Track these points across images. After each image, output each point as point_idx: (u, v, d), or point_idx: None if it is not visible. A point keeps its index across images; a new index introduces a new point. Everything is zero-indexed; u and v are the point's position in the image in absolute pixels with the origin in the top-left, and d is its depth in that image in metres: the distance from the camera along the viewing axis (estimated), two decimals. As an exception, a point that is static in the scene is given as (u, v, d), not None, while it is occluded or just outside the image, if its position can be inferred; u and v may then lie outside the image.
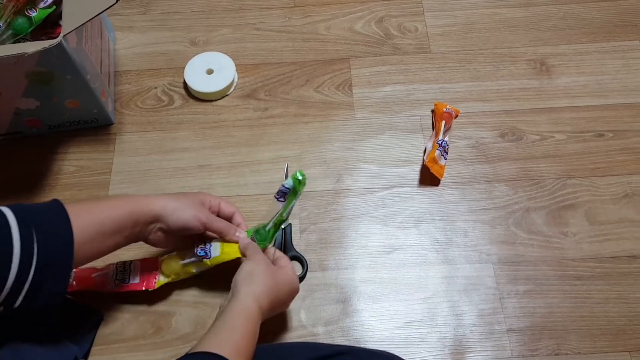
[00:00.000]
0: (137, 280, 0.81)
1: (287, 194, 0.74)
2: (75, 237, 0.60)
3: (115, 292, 0.81)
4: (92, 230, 0.63)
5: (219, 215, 0.78)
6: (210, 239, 0.79)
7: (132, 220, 0.68)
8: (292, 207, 0.76)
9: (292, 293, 0.73)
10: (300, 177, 0.72)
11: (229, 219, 0.79)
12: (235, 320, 0.63)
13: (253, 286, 0.67)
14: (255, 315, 0.65)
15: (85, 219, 0.63)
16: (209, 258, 0.77)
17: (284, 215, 0.77)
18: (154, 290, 0.80)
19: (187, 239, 0.78)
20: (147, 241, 0.74)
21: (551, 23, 1.10)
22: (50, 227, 0.59)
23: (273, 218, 0.77)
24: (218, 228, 0.76)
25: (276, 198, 0.75)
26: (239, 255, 0.76)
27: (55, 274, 0.59)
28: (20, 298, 0.56)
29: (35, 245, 0.56)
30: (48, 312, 0.65)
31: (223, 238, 0.77)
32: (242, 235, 0.77)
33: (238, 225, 0.79)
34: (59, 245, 0.59)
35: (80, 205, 0.64)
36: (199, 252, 0.77)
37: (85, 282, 0.81)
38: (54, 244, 0.58)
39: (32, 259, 0.56)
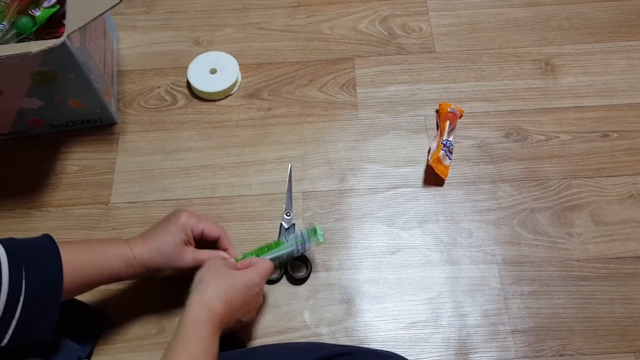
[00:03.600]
0: None
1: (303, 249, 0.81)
2: (64, 279, 0.60)
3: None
4: (79, 279, 0.64)
5: (203, 238, 0.76)
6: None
7: (119, 274, 0.69)
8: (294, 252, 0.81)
9: (248, 291, 0.69)
10: (321, 239, 0.80)
11: (214, 241, 0.78)
12: (187, 329, 0.62)
13: (202, 293, 0.65)
14: (205, 322, 0.63)
15: (76, 267, 0.63)
16: None
17: (285, 258, 0.82)
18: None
19: None
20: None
21: (556, 23, 1.10)
22: (40, 264, 0.58)
23: (276, 254, 0.79)
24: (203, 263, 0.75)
25: (297, 249, 0.81)
26: None
27: (43, 311, 0.58)
28: (8, 335, 0.55)
29: (23, 282, 0.55)
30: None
31: None
32: (232, 262, 0.76)
33: (225, 250, 0.77)
34: (48, 284, 0.58)
35: (72, 249, 0.64)
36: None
37: None
38: (42, 282, 0.58)
39: (19, 295, 0.55)
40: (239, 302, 0.68)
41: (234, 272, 0.70)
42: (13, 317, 0.55)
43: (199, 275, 0.69)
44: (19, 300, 0.55)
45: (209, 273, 0.69)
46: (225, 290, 0.66)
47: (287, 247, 0.80)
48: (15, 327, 0.55)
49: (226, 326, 0.66)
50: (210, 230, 0.76)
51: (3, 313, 0.54)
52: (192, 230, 0.74)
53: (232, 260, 0.77)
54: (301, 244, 0.80)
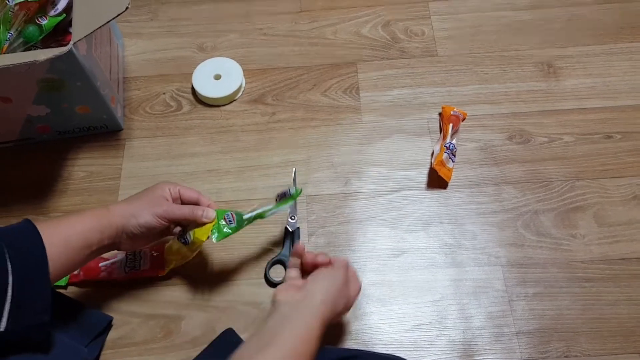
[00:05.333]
0: (147, 266, 0.84)
1: (285, 198, 0.82)
2: (50, 253, 0.61)
3: (124, 279, 0.84)
4: (60, 247, 0.64)
5: (182, 202, 0.77)
6: (187, 227, 0.78)
7: (98, 234, 0.68)
8: (275, 212, 0.81)
9: (344, 288, 0.71)
10: (300, 194, 0.84)
11: (194, 204, 0.78)
12: (300, 332, 0.61)
13: (312, 297, 0.66)
14: (316, 326, 0.63)
15: (54, 235, 0.63)
16: (188, 244, 0.78)
17: (267, 214, 0.80)
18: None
19: (167, 231, 0.78)
20: (119, 249, 0.75)
21: (558, 25, 1.10)
22: (22, 245, 0.60)
23: (257, 211, 0.79)
24: (181, 215, 0.75)
25: (277, 195, 0.82)
26: (206, 239, 0.76)
27: (35, 290, 0.59)
28: (4, 319, 0.56)
29: (9, 263, 0.56)
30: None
31: (195, 223, 0.77)
32: (211, 214, 0.76)
33: (207, 207, 0.78)
34: (34, 262, 0.59)
35: (47, 223, 0.65)
36: (181, 241, 0.78)
37: (91, 272, 0.83)
38: (28, 261, 0.59)
39: (7, 277, 0.56)
40: (340, 301, 0.69)
41: (351, 283, 0.72)
42: (5, 300, 0.55)
43: (326, 282, 0.69)
44: (7, 283, 0.56)
45: (336, 280, 0.69)
46: (329, 291, 0.67)
47: (270, 206, 0.81)
48: (10, 310, 0.56)
49: (329, 323, 0.66)
50: (187, 192, 0.78)
51: None
52: (170, 190, 0.76)
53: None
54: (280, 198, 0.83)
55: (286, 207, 0.83)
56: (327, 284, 0.68)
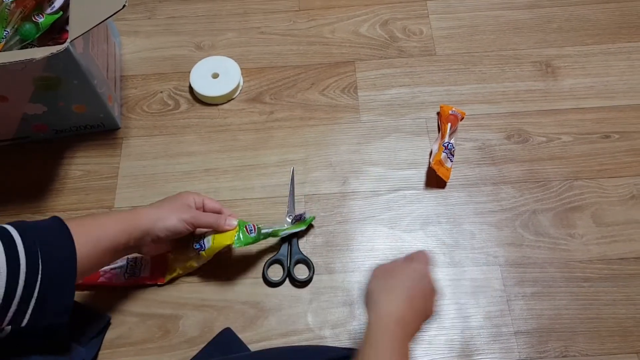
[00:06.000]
0: (147, 273, 0.84)
1: (299, 221, 0.86)
2: (79, 254, 0.62)
3: (123, 286, 0.84)
4: (89, 247, 0.65)
5: (204, 210, 0.81)
6: (205, 234, 0.81)
7: (126, 235, 0.70)
8: (287, 234, 0.86)
9: (422, 281, 0.65)
10: (312, 221, 0.88)
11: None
12: (377, 342, 0.58)
13: (377, 302, 0.62)
14: (392, 330, 0.59)
15: (83, 236, 0.64)
16: (204, 250, 0.80)
17: (280, 233, 0.84)
18: (163, 287, 0.84)
19: (182, 240, 0.81)
20: (140, 252, 0.76)
21: (556, 25, 1.10)
22: (54, 243, 0.60)
23: (273, 228, 0.83)
24: (206, 223, 0.78)
25: (292, 217, 0.88)
26: (230, 242, 0.79)
27: (60, 289, 0.59)
28: (28, 315, 0.56)
29: (40, 261, 0.57)
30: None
31: (216, 230, 0.80)
32: (234, 222, 0.80)
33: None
34: (63, 261, 0.60)
35: (77, 222, 0.65)
36: (195, 246, 0.80)
37: (91, 277, 0.83)
38: (57, 260, 0.59)
39: (37, 275, 0.57)
40: (419, 296, 0.63)
41: (399, 268, 0.66)
42: (32, 297, 0.56)
43: (377, 270, 0.66)
44: (36, 281, 0.56)
45: (376, 279, 0.65)
46: (402, 290, 0.63)
47: (286, 228, 0.86)
48: (34, 307, 0.57)
49: (416, 324, 0.62)
50: (211, 203, 0.81)
51: (22, 293, 0.55)
52: (194, 199, 0.79)
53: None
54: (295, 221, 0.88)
55: (298, 230, 0.87)
56: (403, 293, 0.63)
